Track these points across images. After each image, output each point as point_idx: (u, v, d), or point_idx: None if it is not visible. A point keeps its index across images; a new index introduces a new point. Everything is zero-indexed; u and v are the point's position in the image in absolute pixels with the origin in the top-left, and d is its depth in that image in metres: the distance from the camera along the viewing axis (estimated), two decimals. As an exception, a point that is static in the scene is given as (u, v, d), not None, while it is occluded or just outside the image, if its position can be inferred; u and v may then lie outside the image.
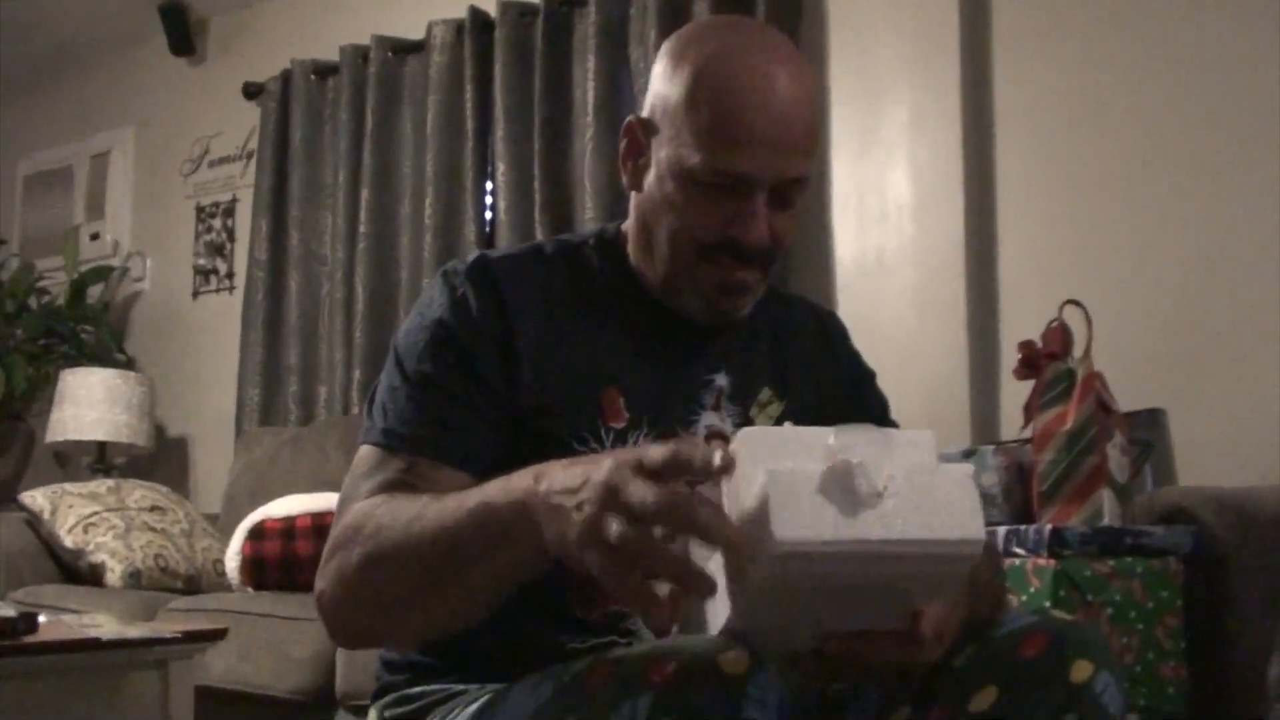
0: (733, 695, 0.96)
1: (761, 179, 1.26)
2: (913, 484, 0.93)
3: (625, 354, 1.34)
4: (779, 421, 1.37)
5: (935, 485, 0.93)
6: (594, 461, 0.98)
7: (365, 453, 1.27)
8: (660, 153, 1.30)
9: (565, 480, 0.99)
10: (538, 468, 1.04)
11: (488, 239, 3.93)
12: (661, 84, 1.31)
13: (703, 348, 1.38)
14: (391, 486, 1.21)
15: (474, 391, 1.26)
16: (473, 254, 1.39)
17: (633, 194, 1.37)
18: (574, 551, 0.96)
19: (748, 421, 1.36)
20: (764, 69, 1.26)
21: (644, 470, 0.94)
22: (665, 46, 1.34)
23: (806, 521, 0.89)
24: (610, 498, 0.93)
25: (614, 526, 0.92)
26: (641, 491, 0.92)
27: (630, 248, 1.39)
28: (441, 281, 1.33)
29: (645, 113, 1.34)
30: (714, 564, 0.97)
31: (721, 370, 1.38)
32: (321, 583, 1.19)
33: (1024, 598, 2.21)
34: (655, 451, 0.95)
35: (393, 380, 1.29)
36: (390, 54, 4.23)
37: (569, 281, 1.37)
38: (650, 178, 1.32)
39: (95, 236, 5.14)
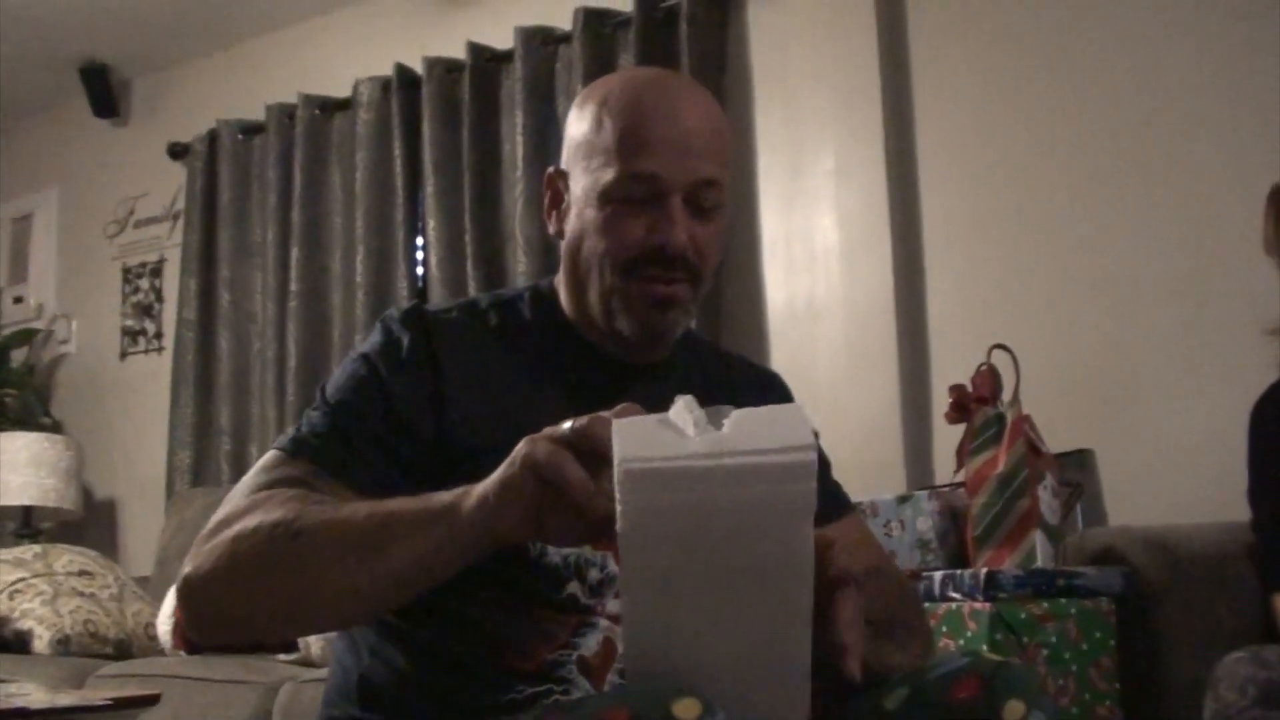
0: None
1: (672, 180, 1.29)
2: (747, 415, 0.99)
3: (558, 400, 1.35)
4: None
5: (767, 414, 0.99)
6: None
7: (268, 455, 1.28)
8: (577, 189, 1.35)
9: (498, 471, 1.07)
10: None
11: (420, 294, 3.92)
12: (571, 128, 1.37)
13: (638, 398, 1.38)
14: (290, 483, 1.21)
15: (389, 429, 1.27)
16: (410, 302, 1.40)
17: (561, 243, 1.39)
18: (527, 478, 1.04)
19: None
20: (665, 86, 1.34)
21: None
22: (575, 101, 1.40)
23: (646, 447, 0.96)
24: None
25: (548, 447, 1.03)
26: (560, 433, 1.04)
27: (563, 297, 1.41)
28: (378, 326, 1.37)
29: (561, 163, 1.39)
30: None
31: None
32: (196, 560, 1.17)
33: (960, 641, 2.23)
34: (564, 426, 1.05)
35: (314, 404, 1.32)
36: (317, 111, 4.23)
37: (502, 332, 1.39)
38: (571, 218, 1.36)
39: (19, 299, 5.08)
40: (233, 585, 1.15)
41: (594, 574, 1.27)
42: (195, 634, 1.21)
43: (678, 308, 1.34)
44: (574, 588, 1.26)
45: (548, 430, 1.05)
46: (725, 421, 0.98)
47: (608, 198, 1.30)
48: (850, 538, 1.40)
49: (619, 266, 1.31)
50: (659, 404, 1.38)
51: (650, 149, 1.28)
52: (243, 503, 1.19)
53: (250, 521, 1.15)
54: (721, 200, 1.34)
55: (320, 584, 1.12)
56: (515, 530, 1.07)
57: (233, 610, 1.17)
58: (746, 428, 0.97)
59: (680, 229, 1.29)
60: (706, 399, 1.43)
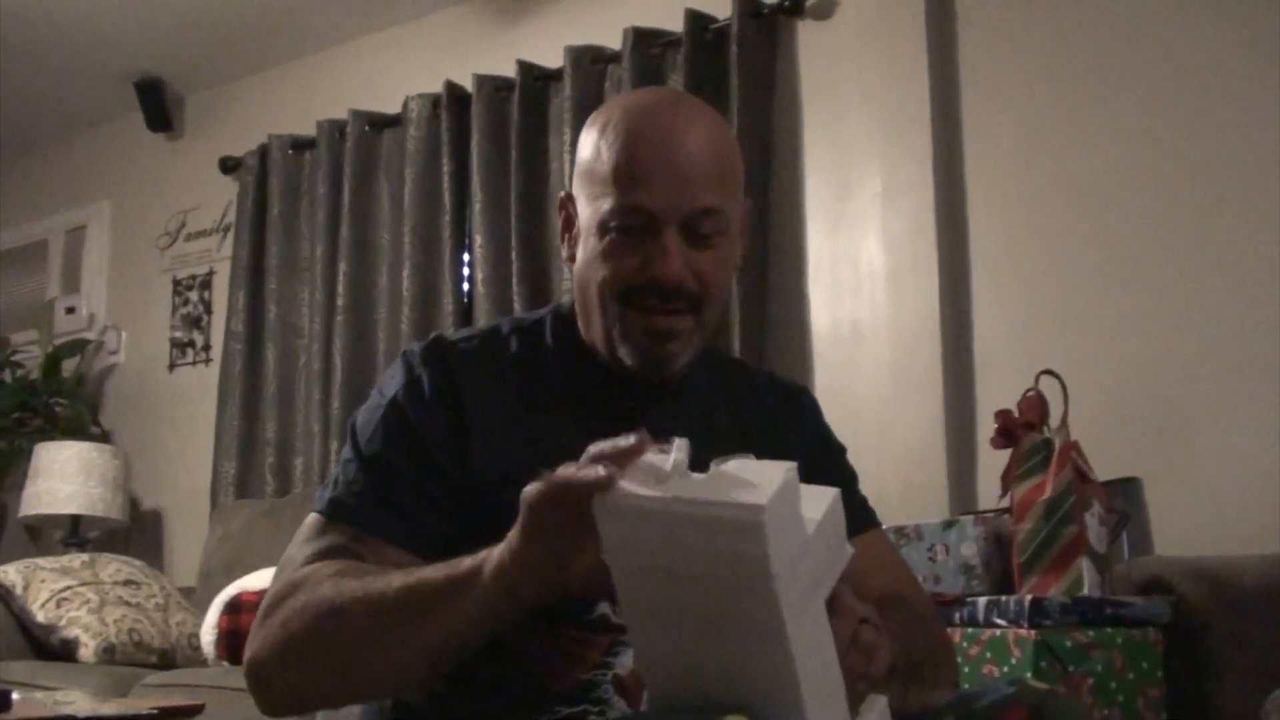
0: None
1: (665, 213, 1.28)
2: (732, 467, 0.99)
3: (578, 428, 1.34)
4: None
5: (754, 469, 0.98)
6: None
7: (310, 520, 1.30)
8: (582, 215, 1.35)
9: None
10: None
11: (465, 310, 3.94)
12: (580, 152, 1.37)
13: (658, 419, 1.38)
14: (333, 553, 1.23)
15: (423, 474, 1.29)
16: (431, 335, 1.41)
17: (572, 267, 1.40)
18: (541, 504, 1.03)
19: None
20: (662, 113, 1.32)
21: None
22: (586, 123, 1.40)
23: (624, 486, 0.97)
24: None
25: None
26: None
27: (579, 319, 1.41)
28: (400, 363, 1.37)
29: (572, 187, 1.39)
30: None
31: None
32: (255, 644, 1.20)
33: (1005, 668, 2.21)
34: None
35: (347, 454, 1.33)
36: (367, 128, 4.26)
37: (523, 359, 1.39)
38: (579, 244, 1.36)
39: (70, 310, 5.13)
40: (289, 668, 1.18)
41: None
42: (267, 713, 1.25)
43: (678, 338, 1.34)
44: (604, 607, 1.26)
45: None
46: (716, 467, 0.99)
47: (605, 228, 1.30)
48: (869, 556, 1.41)
49: (617, 297, 1.32)
50: (678, 422, 1.39)
51: (643, 181, 1.28)
52: (293, 577, 1.21)
53: (297, 602, 1.18)
54: (724, 226, 1.33)
55: (368, 661, 1.14)
56: (539, 587, 1.07)
57: (295, 690, 1.21)
58: (717, 478, 0.98)
59: (674, 262, 1.29)
60: (729, 416, 1.44)
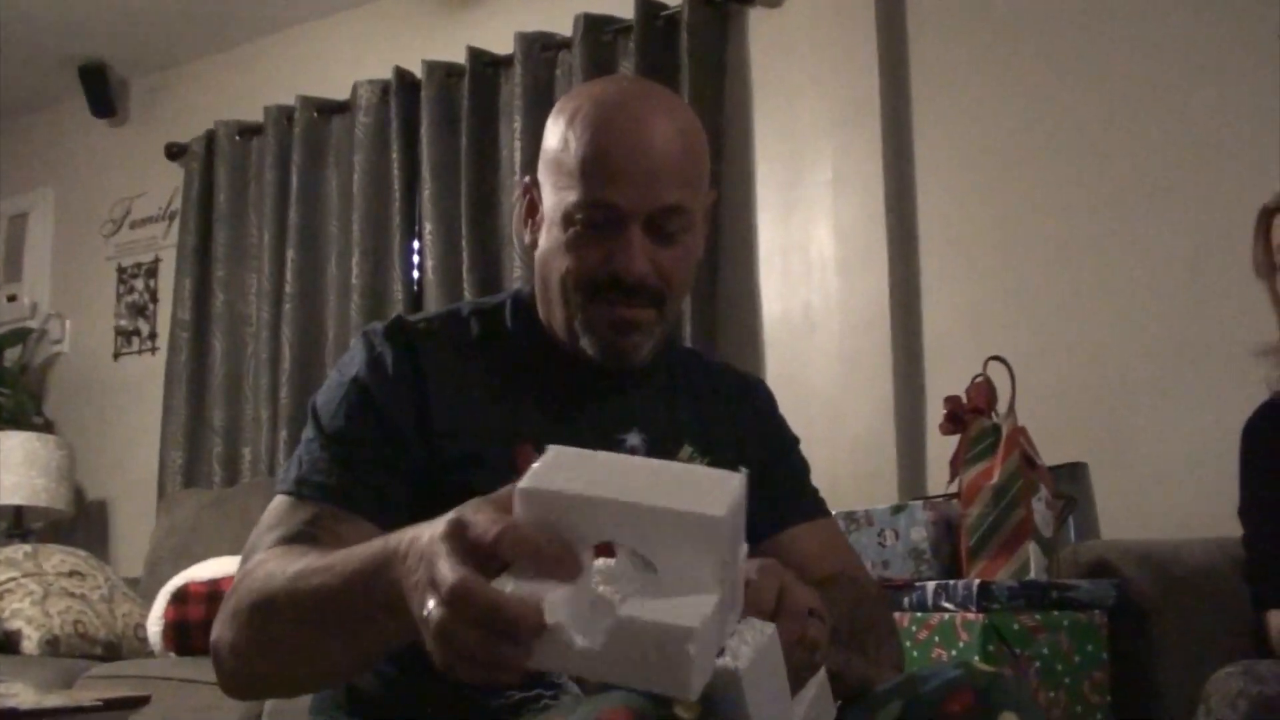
0: None
1: (631, 209, 1.29)
2: (681, 469, 0.94)
3: (540, 411, 1.36)
4: None
5: (699, 475, 0.93)
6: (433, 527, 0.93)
7: (275, 502, 1.29)
8: (547, 203, 1.35)
9: (412, 555, 0.94)
10: (411, 531, 0.97)
11: (415, 298, 3.92)
12: (546, 139, 1.37)
13: (617, 404, 1.39)
14: (294, 538, 1.22)
15: (387, 445, 1.28)
16: (392, 316, 1.40)
17: (535, 253, 1.40)
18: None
19: None
20: (631, 106, 1.31)
21: (459, 544, 0.89)
22: (553, 108, 1.39)
23: (555, 472, 0.90)
24: (427, 580, 0.89)
25: (432, 611, 0.87)
26: (444, 572, 0.87)
27: (538, 306, 1.41)
28: (360, 342, 1.36)
29: (538, 173, 1.39)
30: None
31: (636, 427, 1.39)
32: (218, 628, 1.20)
33: (953, 652, 2.23)
34: (476, 527, 0.89)
35: (308, 433, 1.32)
36: (315, 114, 4.23)
37: (483, 342, 1.39)
38: (543, 231, 1.36)
39: (13, 298, 5.07)
40: (239, 656, 1.18)
41: None
42: (230, 695, 1.26)
43: (641, 330, 1.34)
44: None
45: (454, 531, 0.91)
46: (661, 467, 0.93)
47: (570, 220, 1.30)
48: (818, 542, 1.43)
49: (580, 289, 1.32)
50: (637, 411, 1.39)
51: (611, 177, 1.28)
52: (249, 565, 1.21)
53: (245, 592, 1.17)
54: (689, 223, 1.33)
55: (305, 656, 1.13)
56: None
57: (250, 676, 1.21)
58: (664, 478, 0.90)
59: (638, 258, 1.29)
60: (687, 405, 1.44)
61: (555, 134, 1.34)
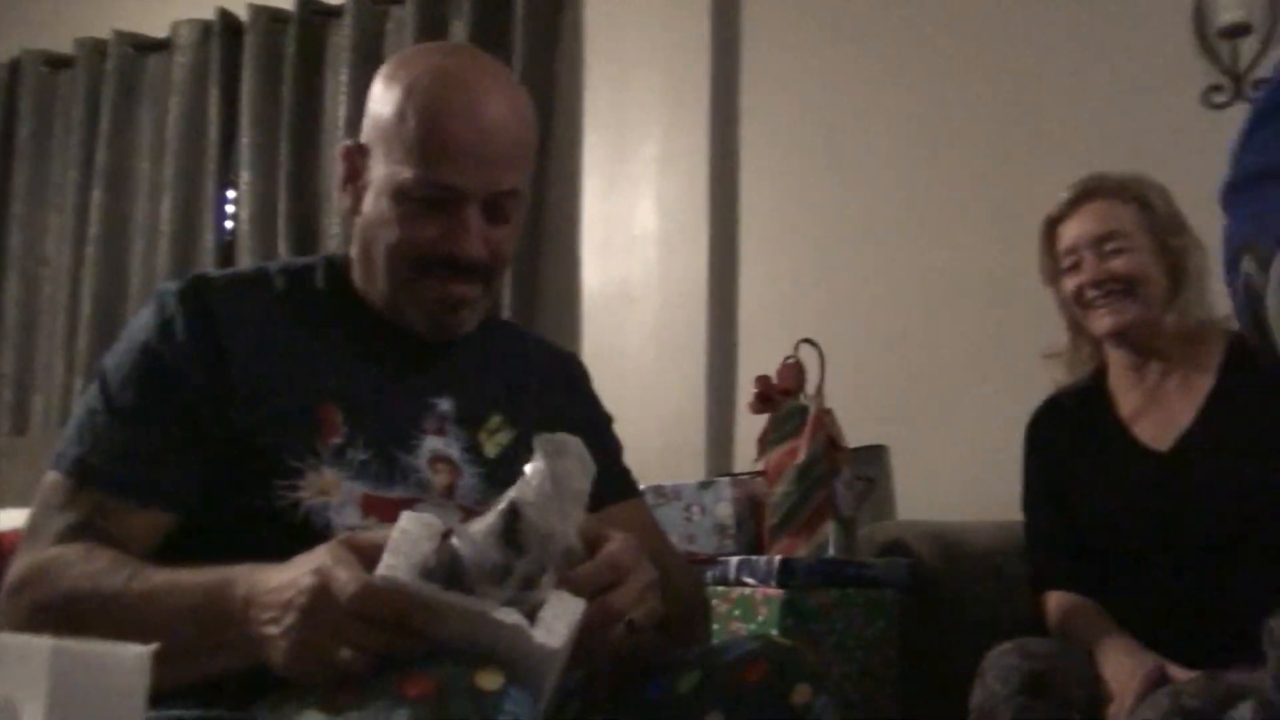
0: (488, 711, 0.96)
1: (471, 192, 1.29)
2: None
3: (344, 370, 1.34)
4: (510, 448, 1.38)
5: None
6: (293, 583, 1.01)
7: (55, 481, 1.24)
8: (375, 172, 1.33)
9: (268, 601, 1.03)
10: (247, 583, 1.05)
11: (228, 247, 3.81)
12: (375, 105, 1.35)
13: (427, 370, 1.39)
14: (82, 530, 1.19)
15: (178, 423, 1.25)
16: (191, 274, 1.36)
17: (355, 218, 1.38)
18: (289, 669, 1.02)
19: (475, 446, 1.38)
20: (472, 85, 1.31)
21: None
22: (381, 70, 1.38)
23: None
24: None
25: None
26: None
27: (355, 271, 1.40)
28: (152, 304, 1.32)
29: (362, 136, 1.36)
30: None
31: (444, 394, 1.38)
32: (1, 619, 1.15)
33: (752, 626, 2.28)
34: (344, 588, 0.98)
35: (94, 404, 1.27)
36: (131, 50, 4.06)
37: (289, 300, 1.37)
38: (368, 199, 1.34)
39: None
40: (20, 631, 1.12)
41: None
42: None
43: (468, 305, 1.35)
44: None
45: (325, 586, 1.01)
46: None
47: (404, 195, 1.29)
48: (629, 524, 1.43)
49: (410, 264, 1.31)
50: (450, 378, 1.38)
51: (450, 157, 1.28)
52: (40, 559, 1.16)
53: (40, 593, 1.14)
54: (520, 203, 1.35)
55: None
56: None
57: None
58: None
59: (475, 239, 1.30)
60: (499, 375, 1.44)
61: (389, 102, 1.32)
